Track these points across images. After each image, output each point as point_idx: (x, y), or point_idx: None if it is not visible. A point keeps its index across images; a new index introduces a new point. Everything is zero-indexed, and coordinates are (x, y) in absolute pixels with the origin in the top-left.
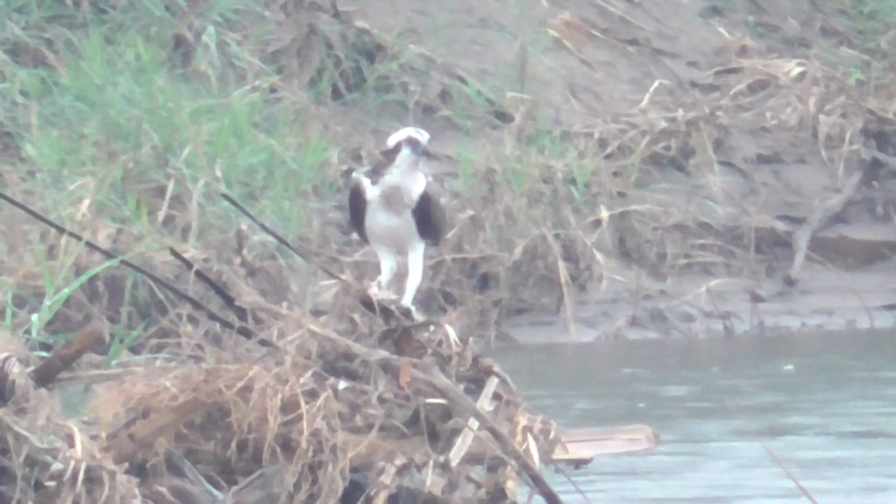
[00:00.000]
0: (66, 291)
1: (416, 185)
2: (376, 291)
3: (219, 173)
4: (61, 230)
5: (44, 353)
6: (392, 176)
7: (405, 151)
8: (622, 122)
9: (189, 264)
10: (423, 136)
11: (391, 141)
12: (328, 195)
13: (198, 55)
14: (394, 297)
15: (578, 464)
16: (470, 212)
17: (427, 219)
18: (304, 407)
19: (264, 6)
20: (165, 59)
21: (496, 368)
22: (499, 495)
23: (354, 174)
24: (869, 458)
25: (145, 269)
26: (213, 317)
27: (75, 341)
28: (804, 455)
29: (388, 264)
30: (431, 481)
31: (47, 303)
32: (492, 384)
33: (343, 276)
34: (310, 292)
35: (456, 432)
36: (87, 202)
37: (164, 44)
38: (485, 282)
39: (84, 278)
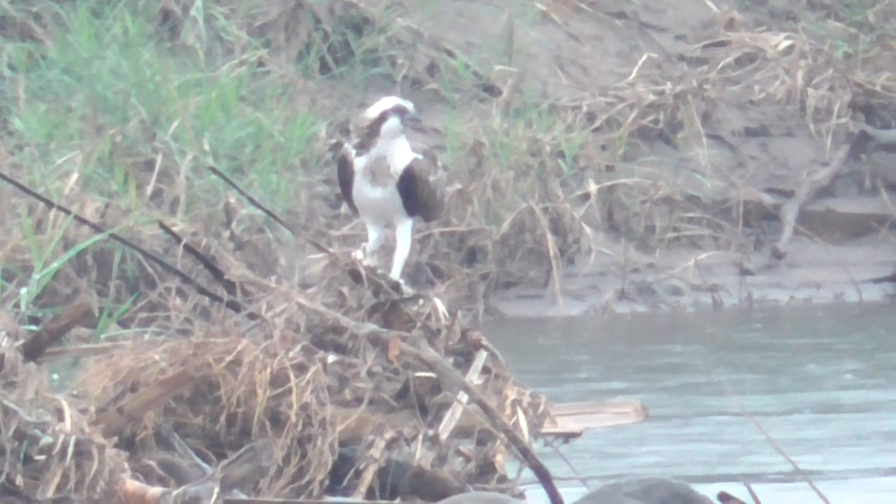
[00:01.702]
0: (54, 265)
1: (401, 157)
2: (361, 257)
3: (206, 147)
4: (49, 204)
5: (32, 327)
6: (377, 147)
7: (392, 120)
8: (610, 95)
9: (177, 238)
10: (409, 105)
11: (373, 111)
12: (316, 169)
13: (185, 29)
14: (377, 265)
15: (568, 437)
16: (457, 185)
17: (413, 195)
18: (293, 380)
19: None
20: (153, 32)
21: (485, 342)
22: (488, 469)
23: (345, 145)
24: (861, 435)
25: (133, 242)
26: (201, 290)
27: (64, 315)
28: (799, 432)
29: (374, 235)
30: (421, 455)
31: (35, 277)
32: (480, 358)
33: (331, 250)
34: (298, 266)
35: (445, 406)
36: (74, 176)
37: (152, 17)
38: (472, 255)
39: (72, 252)
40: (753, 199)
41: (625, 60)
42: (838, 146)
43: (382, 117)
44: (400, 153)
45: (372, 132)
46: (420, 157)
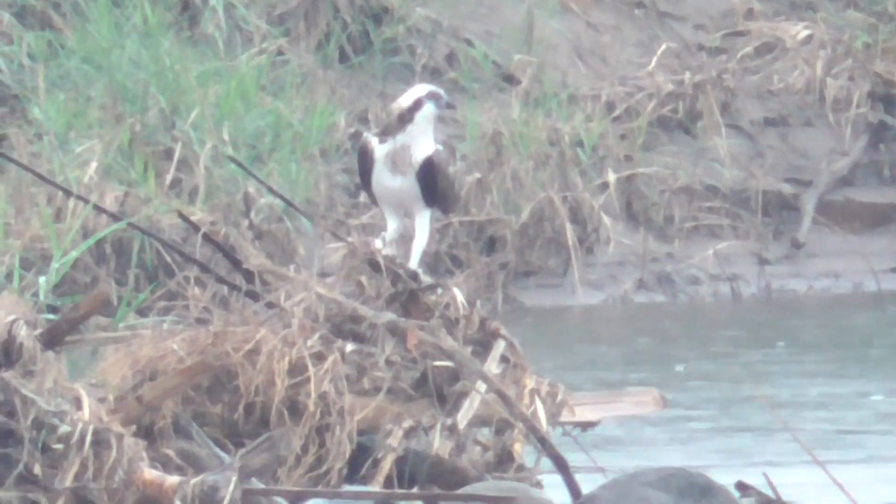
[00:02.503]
0: (73, 254)
1: (424, 147)
2: (380, 246)
3: (226, 136)
4: (68, 193)
5: (51, 316)
6: (405, 134)
7: (428, 106)
8: (629, 85)
9: (196, 227)
10: (441, 91)
11: (407, 99)
12: (335, 158)
13: (205, 18)
14: (395, 254)
15: (586, 426)
16: (477, 175)
17: (432, 185)
18: (311, 370)
19: None
20: (172, 21)
21: (503, 331)
22: (506, 458)
23: (365, 134)
24: (881, 423)
25: (152, 231)
26: (220, 279)
27: (83, 304)
28: (818, 421)
29: (394, 225)
30: (439, 444)
31: (54, 265)
32: (499, 347)
33: (350, 239)
34: (317, 255)
35: (463, 395)
36: (94, 165)
37: (171, 6)
38: (492, 245)
39: (91, 241)
40: (772, 188)
41: (644, 50)
42: (857, 136)
43: (417, 104)
44: (423, 143)
45: (404, 120)
46: (441, 147)
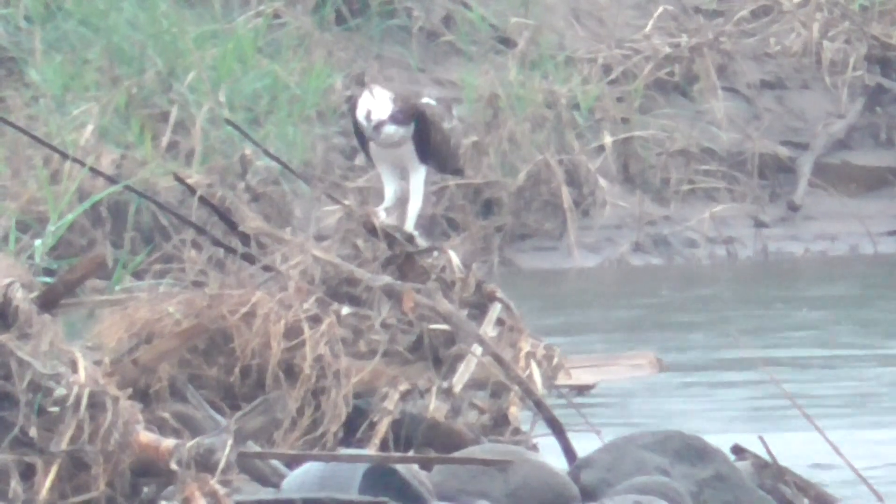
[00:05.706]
0: (69, 217)
1: (386, 106)
2: (383, 216)
3: (222, 98)
4: (65, 156)
5: (47, 279)
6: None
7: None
8: (626, 47)
9: (193, 189)
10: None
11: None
12: (332, 121)
13: None
14: (395, 224)
15: (582, 389)
16: (473, 137)
17: (426, 140)
18: (307, 332)
19: None
20: None
21: (499, 294)
22: (502, 421)
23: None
24: (877, 387)
25: (149, 194)
26: (216, 242)
27: (79, 267)
28: (812, 387)
29: (391, 189)
30: (434, 407)
31: (51, 228)
32: (495, 310)
33: (347, 202)
34: (313, 218)
35: (459, 358)
36: (90, 127)
37: None
38: (488, 207)
39: (87, 204)
40: (769, 151)
41: (641, 13)
42: (854, 99)
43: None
44: (385, 105)
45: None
46: (433, 102)
